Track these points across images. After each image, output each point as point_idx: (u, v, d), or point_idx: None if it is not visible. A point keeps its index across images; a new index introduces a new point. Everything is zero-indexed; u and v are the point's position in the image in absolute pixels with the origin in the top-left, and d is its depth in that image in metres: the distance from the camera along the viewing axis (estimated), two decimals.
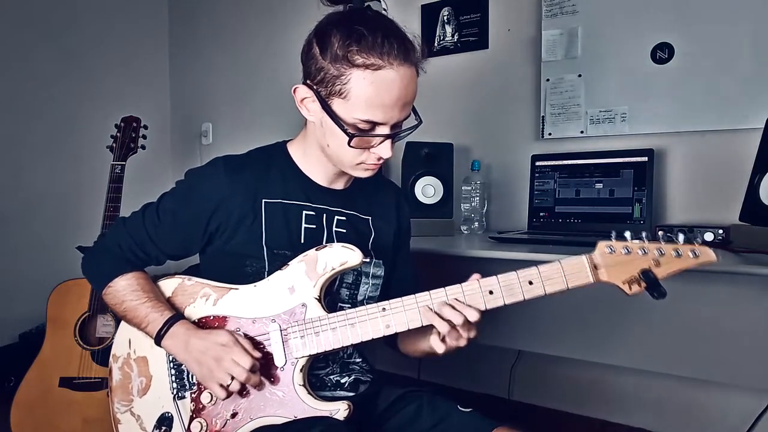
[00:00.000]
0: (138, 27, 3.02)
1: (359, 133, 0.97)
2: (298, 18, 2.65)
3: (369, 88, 0.93)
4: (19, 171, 2.55)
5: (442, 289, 0.98)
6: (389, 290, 1.17)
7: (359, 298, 1.12)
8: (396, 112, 0.96)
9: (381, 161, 1.03)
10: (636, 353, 1.61)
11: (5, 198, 2.50)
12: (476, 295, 0.97)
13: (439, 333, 0.96)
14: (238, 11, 2.92)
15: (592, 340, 1.66)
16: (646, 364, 1.65)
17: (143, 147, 2.02)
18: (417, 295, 0.99)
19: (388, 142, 0.99)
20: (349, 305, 1.10)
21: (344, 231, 1.12)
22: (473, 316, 0.95)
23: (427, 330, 0.99)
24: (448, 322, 0.95)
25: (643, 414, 1.99)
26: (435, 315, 0.96)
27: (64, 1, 2.69)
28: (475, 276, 0.99)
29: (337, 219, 1.12)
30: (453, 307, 0.95)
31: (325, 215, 1.11)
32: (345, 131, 0.96)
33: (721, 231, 1.55)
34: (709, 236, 1.56)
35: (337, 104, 0.96)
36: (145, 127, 2.03)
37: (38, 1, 2.59)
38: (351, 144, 0.97)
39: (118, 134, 1.97)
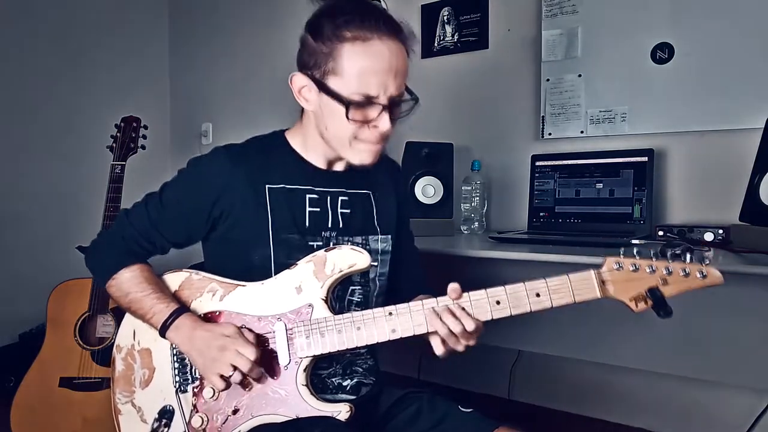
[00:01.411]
0: (138, 27, 3.02)
1: (356, 105, 0.98)
2: (298, 18, 2.63)
3: (359, 59, 0.96)
4: (19, 171, 2.54)
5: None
6: (398, 268, 1.19)
7: (371, 275, 1.13)
8: (389, 81, 0.98)
9: (382, 138, 1.03)
10: (636, 353, 1.61)
11: (5, 198, 2.49)
12: (483, 304, 0.97)
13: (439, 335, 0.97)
14: (237, 11, 2.92)
15: (592, 340, 1.66)
16: (646, 364, 1.65)
17: (143, 147, 2.01)
18: (424, 300, 0.99)
19: (386, 115, 1.00)
20: (360, 286, 1.11)
21: (349, 211, 1.13)
22: (470, 326, 0.95)
23: None
24: (447, 327, 0.96)
25: (643, 414, 1.99)
26: (437, 318, 0.96)
27: (63, 1, 2.69)
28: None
29: (341, 200, 1.13)
30: (453, 315, 0.96)
31: (329, 198, 1.11)
32: (342, 101, 0.98)
33: (721, 231, 1.55)
34: (709, 236, 1.56)
35: (331, 82, 0.99)
36: (145, 127, 2.02)
37: (38, 1, 2.59)
38: (349, 116, 0.98)
39: (118, 134, 1.96)
